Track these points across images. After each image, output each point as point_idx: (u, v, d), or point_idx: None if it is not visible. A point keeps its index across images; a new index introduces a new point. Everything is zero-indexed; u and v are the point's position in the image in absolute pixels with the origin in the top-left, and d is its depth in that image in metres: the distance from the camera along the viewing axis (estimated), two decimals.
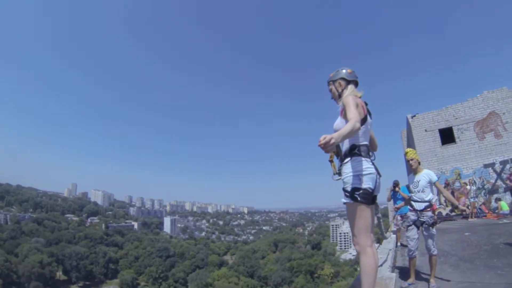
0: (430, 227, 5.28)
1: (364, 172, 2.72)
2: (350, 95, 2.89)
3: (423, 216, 5.33)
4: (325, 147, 2.07)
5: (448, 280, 5.19)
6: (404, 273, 5.84)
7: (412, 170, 5.57)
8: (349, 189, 2.73)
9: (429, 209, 5.33)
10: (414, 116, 20.13)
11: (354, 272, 70.15)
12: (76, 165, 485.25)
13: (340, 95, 3.09)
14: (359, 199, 2.66)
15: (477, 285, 4.86)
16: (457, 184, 17.68)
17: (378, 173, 2.85)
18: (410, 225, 5.48)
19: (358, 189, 2.69)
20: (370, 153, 2.93)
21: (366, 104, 3.01)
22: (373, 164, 2.86)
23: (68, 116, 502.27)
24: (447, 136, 18.94)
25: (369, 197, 2.70)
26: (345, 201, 2.78)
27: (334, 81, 3.16)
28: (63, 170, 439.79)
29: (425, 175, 5.38)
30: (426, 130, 19.33)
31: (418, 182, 5.40)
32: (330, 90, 3.22)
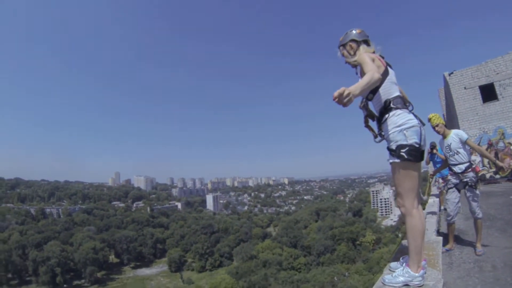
0: (474, 188, 5.01)
1: (406, 126, 2.56)
2: (363, 53, 2.78)
3: (465, 178, 5.06)
4: (340, 100, 1.98)
5: (490, 246, 4.99)
6: (445, 238, 5.32)
7: (440, 135, 5.31)
8: (394, 147, 2.58)
9: (470, 169, 5.04)
10: (452, 73, 18.69)
11: (395, 239, 68.22)
12: (117, 155, 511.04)
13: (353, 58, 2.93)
14: (406, 156, 2.51)
15: None
16: (501, 144, 16.49)
17: (421, 122, 2.66)
18: (451, 188, 5.25)
19: (403, 146, 2.53)
20: (407, 104, 2.74)
21: (383, 58, 2.84)
22: (413, 114, 2.68)
23: (102, 109, 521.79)
24: (488, 93, 17.44)
25: (417, 153, 2.54)
26: (391, 160, 2.61)
27: (344, 45, 3.01)
28: (106, 161, 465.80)
29: (454, 136, 5.08)
30: (465, 88, 18.02)
31: (449, 145, 5.14)
32: (343, 55, 3.06)
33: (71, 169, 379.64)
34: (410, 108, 2.74)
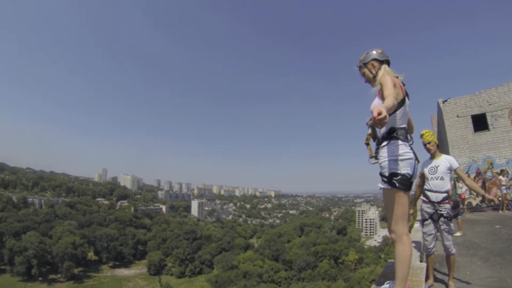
0: (449, 221, 4.68)
1: (402, 157, 2.65)
2: (387, 74, 2.78)
3: (441, 209, 4.68)
4: (380, 122, 1.97)
5: (468, 282, 4.74)
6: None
7: (430, 154, 4.94)
8: (387, 174, 2.67)
9: (447, 201, 4.69)
10: (446, 100, 19.20)
11: (378, 259, 68.64)
12: (106, 150, 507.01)
13: (375, 77, 2.93)
14: (397, 185, 2.59)
15: (507, 280, 4.59)
16: (489, 173, 16.89)
17: (417, 158, 2.76)
18: (426, 220, 4.86)
19: (396, 174, 2.62)
20: (409, 137, 2.82)
21: (404, 85, 2.87)
22: (411, 148, 2.76)
23: (98, 102, 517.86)
24: (480, 122, 17.93)
25: (407, 183, 2.63)
26: (382, 186, 2.71)
27: (366, 64, 3.01)
28: (94, 156, 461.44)
29: (445, 160, 4.72)
30: (458, 116, 18.45)
31: (437, 167, 4.72)
32: (363, 74, 3.06)
33: (58, 160, 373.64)
34: (410, 142, 2.80)
